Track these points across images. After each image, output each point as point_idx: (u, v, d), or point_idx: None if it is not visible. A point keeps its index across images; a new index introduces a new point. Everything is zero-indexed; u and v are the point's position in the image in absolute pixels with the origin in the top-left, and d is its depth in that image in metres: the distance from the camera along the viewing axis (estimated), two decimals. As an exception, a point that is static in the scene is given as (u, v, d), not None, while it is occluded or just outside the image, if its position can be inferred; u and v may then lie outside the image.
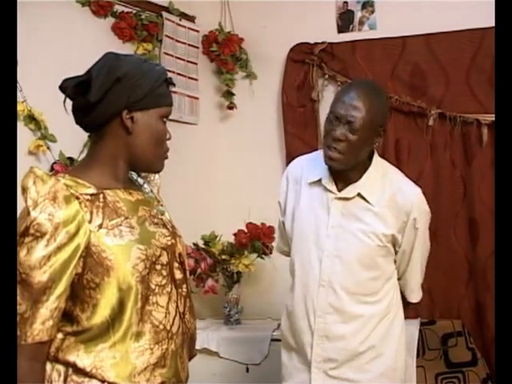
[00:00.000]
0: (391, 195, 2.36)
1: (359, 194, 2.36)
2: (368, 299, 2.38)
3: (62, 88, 1.79)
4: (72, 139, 2.98)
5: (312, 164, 2.49)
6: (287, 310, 2.53)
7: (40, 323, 1.62)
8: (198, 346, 3.41)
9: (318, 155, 2.47)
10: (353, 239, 2.35)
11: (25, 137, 3.07)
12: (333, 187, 2.38)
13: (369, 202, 2.35)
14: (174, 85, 1.89)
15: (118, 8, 3.65)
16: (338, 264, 2.36)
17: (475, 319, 3.72)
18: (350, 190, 2.36)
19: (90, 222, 1.67)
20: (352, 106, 2.26)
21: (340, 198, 2.37)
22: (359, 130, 2.26)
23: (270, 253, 3.74)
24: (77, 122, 1.82)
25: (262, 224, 3.77)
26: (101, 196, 1.73)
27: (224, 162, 4.29)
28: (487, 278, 3.65)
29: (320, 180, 2.41)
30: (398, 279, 2.49)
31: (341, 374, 2.39)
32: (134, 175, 1.93)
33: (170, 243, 1.83)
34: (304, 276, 2.42)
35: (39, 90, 3.00)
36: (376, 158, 2.42)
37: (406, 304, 2.55)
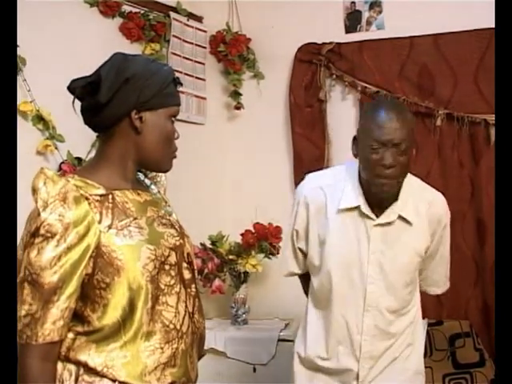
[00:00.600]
0: (425, 209, 2.35)
1: (400, 216, 2.31)
2: (404, 311, 2.40)
3: (71, 89, 1.79)
4: (80, 139, 2.99)
5: (335, 189, 2.39)
6: (311, 335, 2.48)
7: (51, 323, 1.62)
8: (205, 346, 3.43)
9: (340, 174, 2.41)
10: (395, 262, 2.33)
11: (33, 137, 3.08)
12: (372, 214, 2.32)
13: (409, 222, 2.32)
14: (181, 84, 1.90)
15: (126, 8, 3.65)
16: (382, 288, 2.34)
17: (483, 320, 3.71)
18: (390, 214, 2.31)
19: (99, 222, 1.68)
20: (393, 128, 2.18)
21: (381, 224, 2.32)
22: (406, 150, 2.21)
23: (277, 253, 3.74)
24: (85, 123, 1.83)
25: (269, 224, 3.77)
26: (110, 197, 1.74)
27: (231, 162, 4.29)
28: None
29: (357, 207, 2.32)
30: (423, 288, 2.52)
31: (381, 380, 2.40)
32: (141, 176, 1.94)
33: (178, 243, 1.84)
34: (345, 304, 2.37)
35: (47, 90, 3.00)
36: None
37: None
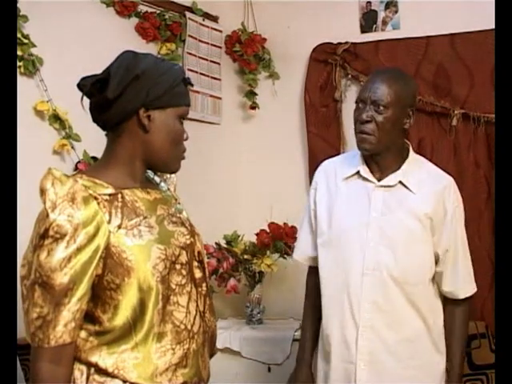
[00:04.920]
0: (430, 183, 2.39)
1: (400, 182, 2.37)
2: (410, 289, 2.35)
3: (80, 86, 1.79)
4: (96, 138, 2.98)
5: (345, 161, 2.52)
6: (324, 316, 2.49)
7: (63, 325, 1.61)
8: (220, 346, 3.44)
9: (349, 154, 2.54)
10: (395, 226, 2.35)
11: (49, 136, 3.11)
12: (372, 177, 2.40)
13: (410, 189, 2.36)
14: (191, 85, 1.89)
15: (142, 8, 3.67)
16: (381, 251, 2.34)
17: (499, 321, 3.69)
18: (391, 179, 2.38)
19: (108, 222, 1.67)
20: (375, 87, 2.32)
21: (381, 187, 2.39)
22: (385, 109, 2.30)
23: (293, 253, 3.74)
24: (94, 120, 1.82)
25: (285, 224, 3.76)
26: (119, 196, 1.72)
27: (246, 161, 4.30)
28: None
29: (358, 172, 2.42)
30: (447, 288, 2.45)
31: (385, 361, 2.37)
32: (151, 173, 1.92)
33: (188, 242, 1.83)
34: (345, 267, 2.39)
35: (64, 89, 3.01)
36: (412, 153, 2.46)
37: (456, 304, 2.48)
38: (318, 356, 2.56)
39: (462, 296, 2.46)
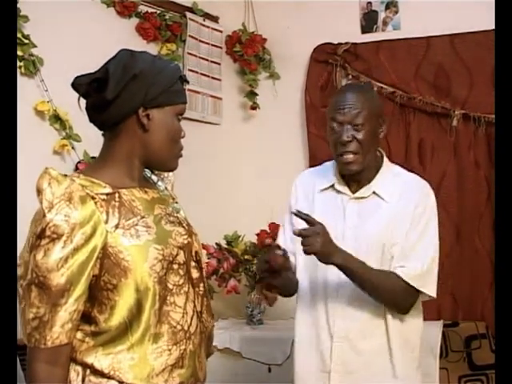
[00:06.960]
0: (402, 189, 2.38)
1: (374, 192, 2.38)
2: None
3: (75, 86, 1.77)
4: (96, 139, 2.98)
5: (322, 173, 2.52)
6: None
7: (59, 326, 1.61)
8: (220, 346, 3.44)
9: (326, 166, 2.52)
10: (368, 237, 2.34)
11: (50, 136, 3.11)
12: (346, 190, 2.41)
13: (383, 198, 2.37)
14: (188, 82, 1.88)
15: (143, 8, 3.67)
16: None
17: (499, 321, 3.69)
18: (365, 190, 2.39)
19: (106, 222, 1.65)
20: (349, 107, 2.31)
21: (356, 198, 2.39)
22: (363, 125, 2.31)
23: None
24: (91, 120, 1.81)
25: (285, 224, 3.76)
26: (116, 195, 1.71)
27: (247, 162, 4.29)
28: None
29: (333, 185, 2.43)
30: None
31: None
32: (148, 172, 1.91)
33: (186, 242, 1.81)
34: (323, 278, 2.38)
35: (64, 90, 2.99)
36: (386, 162, 2.45)
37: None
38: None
39: (405, 277, 2.30)
